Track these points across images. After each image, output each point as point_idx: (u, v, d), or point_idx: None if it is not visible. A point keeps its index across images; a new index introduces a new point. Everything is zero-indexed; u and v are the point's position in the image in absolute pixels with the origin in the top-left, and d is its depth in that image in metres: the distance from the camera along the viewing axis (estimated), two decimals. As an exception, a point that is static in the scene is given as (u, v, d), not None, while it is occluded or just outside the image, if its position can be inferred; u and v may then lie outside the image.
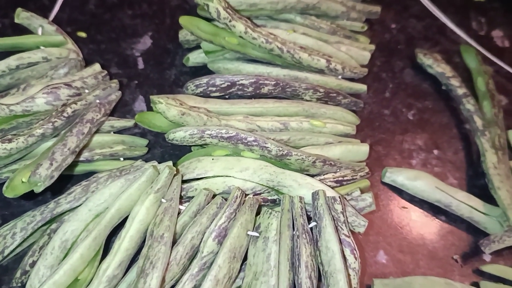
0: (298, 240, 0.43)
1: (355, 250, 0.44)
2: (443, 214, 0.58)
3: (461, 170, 0.62)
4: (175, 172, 0.47)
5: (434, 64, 0.68)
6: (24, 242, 0.47)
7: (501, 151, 0.59)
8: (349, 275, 0.43)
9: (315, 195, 0.47)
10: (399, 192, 0.59)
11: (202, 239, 0.44)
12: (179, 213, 0.47)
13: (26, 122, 0.50)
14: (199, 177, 0.50)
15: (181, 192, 0.48)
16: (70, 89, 0.51)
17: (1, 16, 0.64)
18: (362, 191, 0.53)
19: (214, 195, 0.49)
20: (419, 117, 0.66)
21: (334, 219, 0.45)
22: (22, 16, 0.59)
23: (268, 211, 0.48)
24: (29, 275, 0.45)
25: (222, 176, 0.50)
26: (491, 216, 0.56)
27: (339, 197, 0.47)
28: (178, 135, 0.50)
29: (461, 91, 0.65)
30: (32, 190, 0.44)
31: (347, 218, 0.47)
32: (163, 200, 0.45)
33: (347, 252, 0.44)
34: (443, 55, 0.70)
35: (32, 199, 0.51)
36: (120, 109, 0.59)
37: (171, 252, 0.43)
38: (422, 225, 0.57)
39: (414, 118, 0.66)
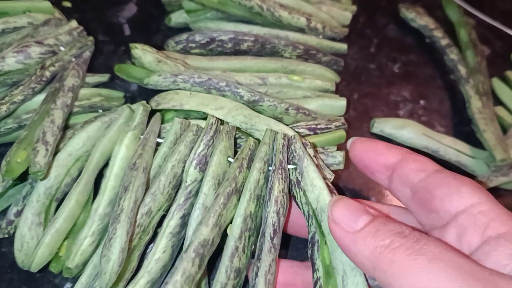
0: (272, 174, 0.43)
1: (335, 191, 0.43)
2: (431, 160, 0.58)
3: (447, 118, 0.63)
4: (149, 108, 0.48)
5: (417, 18, 0.69)
6: (10, 198, 0.49)
7: (485, 96, 0.60)
8: None
9: (292, 140, 0.46)
10: (388, 141, 0.58)
11: (183, 167, 0.45)
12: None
13: (0, 82, 0.51)
14: (174, 108, 0.51)
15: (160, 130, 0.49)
16: (41, 46, 0.51)
17: (-14, -11, 0.65)
18: (338, 148, 0.54)
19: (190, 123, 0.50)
20: (404, 70, 0.67)
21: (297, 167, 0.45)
22: None
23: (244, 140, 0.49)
24: (15, 226, 0.46)
25: (197, 111, 0.51)
26: (478, 158, 0.56)
27: (310, 142, 0.47)
28: (152, 79, 0.51)
29: (444, 42, 0.66)
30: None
31: (319, 163, 0.47)
32: (142, 137, 0.46)
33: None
34: (425, 10, 0.71)
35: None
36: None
37: (154, 182, 0.44)
38: (411, 172, 0.57)
39: (400, 71, 0.67)
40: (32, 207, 0.45)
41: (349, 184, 0.56)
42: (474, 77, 0.61)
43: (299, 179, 0.44)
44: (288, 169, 0.45)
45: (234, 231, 0.42)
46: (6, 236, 0.47)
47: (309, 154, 0.45)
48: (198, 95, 0.51)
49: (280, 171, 0.44)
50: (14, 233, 0.46)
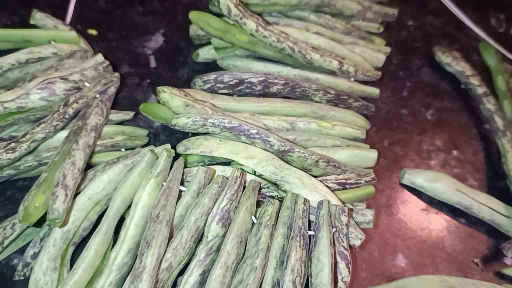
0: (291, 241, 0.42)
1: (350, 264, 0.43)
2: (463, 216, 0.56)
3: (481, 171, 0.60)
4: (173, 154, 0.46)
5: (453, 63, 0.66)
6: (27, 237, 0.47)
7: (522, 151, 0.58)
8: None
9: (319, 205, 0.45)
10: (418, 194, 0.57)
11: (206, 221, 0.43)
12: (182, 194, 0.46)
13: (23, 119, 0.49)
14: (203, 154, 0.49)
15: (182, 175, 0.47)
16: (66, 83, 0.50)
17: (10, 14, 0.64)
18: (367, 204, 0.53)
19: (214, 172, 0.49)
20: (438, 116, 0.64)
21: (337, 230, 0.44)
22: (37, 17, 0.58)
23: (268, 200, 0.47)
24: (31, 268, 0.45)
25: (226, 159, 0.49)
26: (513, 218, 0.54)
27: (348, 209, 0.45)
28: (180, 121, 0.49)
29: (481, 90, 0.63)
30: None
31: (348, 231, 0.46)
32: (164, 184, 0.44)
33: (343, 265, 0.43)
34: (461, 53, 0.68)
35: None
36: (133, 108, 0.58)
37: (175, 235, 0.42)
38: (441, 228, 0.55)
39: (433, 118, 0.64)
40: (48, 251, 0.43)
41: (376, 238, 0.53)
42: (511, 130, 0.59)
43: (313, 247, 0.43)
44: (309, 235, 0.44)
45: None
46: (22, 278, 0.45)
47: (330, 225, 0.44)
48: (228, 142, 0.49)
49: (298, 238, 0.43)
50: (29, 275, 0.44)
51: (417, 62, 0.70)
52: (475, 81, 0.64)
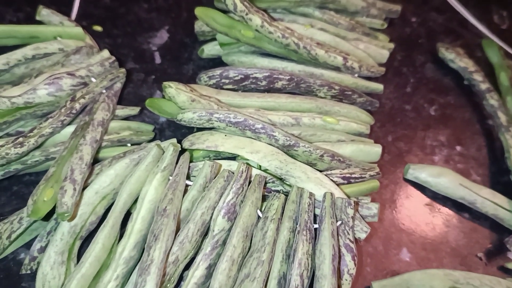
0: (297, 235, 0.43)
1: (356, 256, 0.44)
2: (467, 211, 0.56)
3: (485, 166, 0.60)
4: (179, 148, 0.47)
5: (456, 59, 0.66)
6: (34, 232, 0.47)
7: (526, 147, 0.58)
8: (339, 279, 0.43)
9: (323, 198, 0.46)
10: (422, 189, 0.57)
11: (212, 215, 0.44)
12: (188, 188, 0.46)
13: (30, 114, 0.49)
14: (208, 149, 0.49)
15: (188, 170, 0.48)
16: (73, 78, 0.50)
17: (15, 11, 0.64)
18: (372, 199, 0.53)
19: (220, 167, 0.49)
20: (441, 112, 0.65)
21: (342, 223, 0.44)
22: (43, 13, 0.58)
23: (274, 194, 0.47)
24: (38, 262, 0.45)
25: (231, 153, 0.49)
26: (517, 213, 0.54)
27: (354, 202, 0.46)
28: (186, 116, 0.49)
29: (484, 86, 0.63)
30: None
31: (354, 224, 0.46)
32: (171, 178, 0.45)
33: (349, 257, 0.43)
34: (464, 49, 0.68)
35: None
36: (138, 104, 0.58)
37: (182, 229, 0.42)
38: (445, 223, 0.55)
39: (436, 114, 0.65)
40: (56, 245, 0.44)
41: (381, 232, 0.53)
42: (515, 126, 0.59)
43: (317, 240, 0.44)
44: (315, 228, 0.45)
45: None
46: (29, 272, 0.45)
47: (332, 217, 0.44)
48: (233, 137, 0.50)
49: (305, 232, 0.43)
50: (36, 268, 0.45)
51: (420, 58, 0.70)
52: (478, 77, 0.64)
